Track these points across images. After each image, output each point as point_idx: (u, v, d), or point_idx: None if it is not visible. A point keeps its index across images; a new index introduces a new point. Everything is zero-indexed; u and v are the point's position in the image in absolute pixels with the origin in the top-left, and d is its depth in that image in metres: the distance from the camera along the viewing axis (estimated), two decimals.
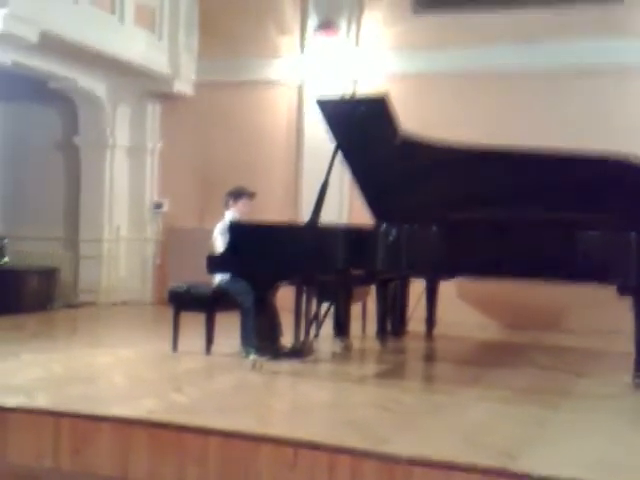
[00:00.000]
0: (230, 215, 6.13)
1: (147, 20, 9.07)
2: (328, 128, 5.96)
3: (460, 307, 8.25)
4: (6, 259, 8.72)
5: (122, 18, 8.58)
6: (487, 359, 6.61)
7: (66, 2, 7.78)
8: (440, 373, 6.06)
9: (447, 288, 7.67)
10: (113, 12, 8.50)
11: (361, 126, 5.72)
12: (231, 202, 6.19)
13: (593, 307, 7.42)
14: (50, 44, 7.61)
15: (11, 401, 4.25)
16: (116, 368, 5.54)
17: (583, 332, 7.64)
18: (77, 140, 9.64)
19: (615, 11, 8.09)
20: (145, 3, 9.01)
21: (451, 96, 8.60)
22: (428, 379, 5.88)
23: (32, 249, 9.36)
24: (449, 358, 6.56)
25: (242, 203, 6.19)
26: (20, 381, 4.85)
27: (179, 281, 6.47)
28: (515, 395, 4.93)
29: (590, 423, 4.33)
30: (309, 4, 9.10)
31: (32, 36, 7.25)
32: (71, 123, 9.76)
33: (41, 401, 4.31)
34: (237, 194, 6.21)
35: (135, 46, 8.78)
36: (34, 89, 9.29)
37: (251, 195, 6.27)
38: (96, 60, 8.53)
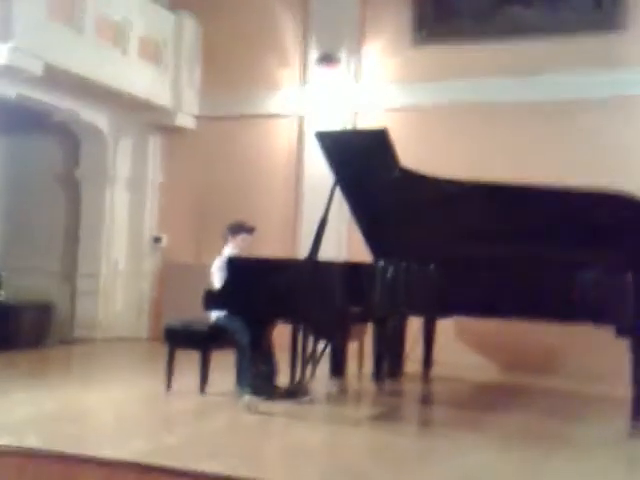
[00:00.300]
0: (229, 251, 6.09)
1: (151, 53, 9.14)
2: (327, 161, 5.94)
3: (458, 347, 8.16)
4: (2, 293, 8.65)
5: (126, 51, 8.65)
6: (484, 402, 6.52)
7: (70, 35, 7.85)
8: (436, 416, 5.98)
9: (445, 327, 7.60)
10: (117, 45, 8.57)
11: (360, 159, 5.70)
12: (230, 237, 6.15)
13: (592, 349, 7.33)
14: (54, 77, 7.67)
15: (0, 440, 4.17)
16: (108, 407, 5.47)
17: (581, 375, 7.54)
18: (78, 173, 9.64)
19: (616, 41, 8.06)
20: (149, 37, 9.08)
21: (451, 129, 8.60)
22: (424, 422, 5.79)
23: (28, 283, 9.30)
24: (446, 401, 6.48)
25: (241, 238, 6.14)
26: (10, 420, 4.78)
27: (176, 317, 6.40)
28: (513, 440, 4.85)
29: (588, 470, 4.25)
30: (310, 37, 9.18)
31: (36, 69, 7.31)
32: (72, 156, 9.77)
33: (29, 441, 4.22)
34: (236, 229, 6.16)
35: (138, 79, 8.84)
36: (37, 121, 9.32)
37: (250, 230, 6.22)
38: (99, 93, 8.58)
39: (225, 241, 6.16)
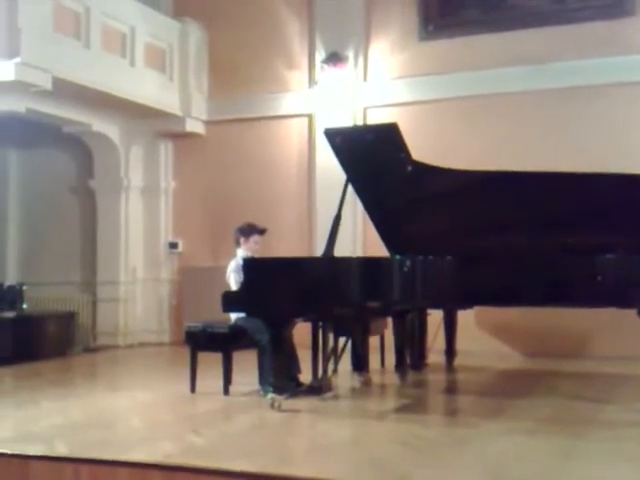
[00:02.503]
0: (242, 253, 6.11)
1: (157, 62, 9.21)
2: (337, 158, 5.92)
3: (479, 336, 8.17)
4: (24, 306, 8.75)
5: (133, 61, 8.72)
6: (509, 389, 6.50)
7: (77, 48, 7.93)
8: (462, 406, 5.97)
9: (465, 317, 7.60)
10: (124, 56, 8.64)
11: (370, 155, 5.67)
12: (242, 240, 6.16)
13: (616, 332, 7.32)
14: (63, 90, 7.73)
15: (31, 449, 4.23)
16: (134, 412, 5.50)
17: (606, 358, 7.53)
18: (92, 183, 9.73)
19: (626, 27, 8.04)
20: (155, 45, 9.15)
21: (460, 121, 8.61)
22: (450, 412, 5.77)
23: (49, 294, 9.43)
24: (470, 390, 6.47)
25: (253, 240, 6.15)
26: (39, 428, 4.83)
27: (196, 320, 6.43)
28: (539, 426, 4.84)
29: (616, 452, 4.23)
30: (316, 38, 9.20)
31: (45, 83, 7.36)
32: (86, 166, 9.87)
33: (60, 448, 4.28)
34: (247, 231, 6.17)
35: (146, 88, 8.91)
36: (49, 134, 9.42)
37: (262, 231, 6.23)
38: (109, 103, 8.64)
39: (237, 244, 6.18)
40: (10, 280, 9.44)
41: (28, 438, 4.55)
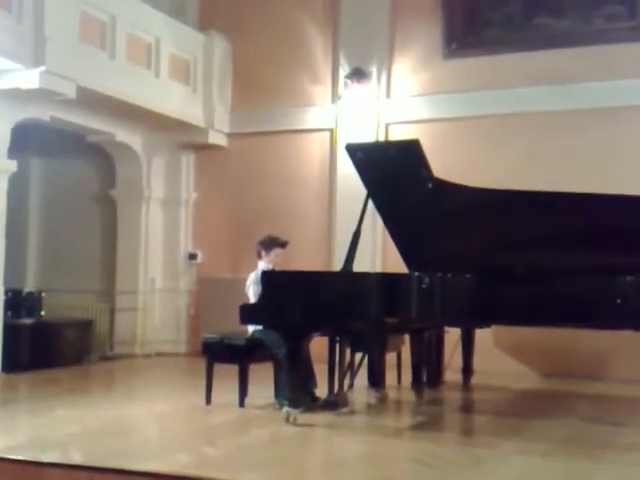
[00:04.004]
0: (263, 265, 6.11)
1: (182, 73, 9.27)
2: (358, 173, 5.91)
3: (497, 355, 8.10)
4: (43, 313, 8.80)
5: (157, 72, 8.78)
6: (526, 409, 6.45)
7: (102, 58, 8.00)
8: (478, 425, 5.93)
9: (483, 336, 7.55)
10: (149, 67, 8.71)
11: (391, 170, 5.67)
12: (263, 252, 6.16)
13: (634, 354, 7.25)
14: (87, 99, 7.79)
15: (46, 456, 4.24)
16: (150, 422, 5.52)
17: (624, 380, 7.45)
18: (114, 193, 9.79)
19: None
20: (180, 57, 9.21)
21: (482, 139, 8.59)
22: (466, 431, 5.74)
23: (68, 302, 9.46)
24: (487, 409, 6.42)
25: (274, 253, 6.16)
26: (55, 436, 4.84)
27: (213, 332, 6.44)
28: (556, 447, 4.79)
29: (633, 477, 4.18)
30: (340, 53, 9.23)
31: (70, 92, 7.42)
32: (107, 176, 9.93)
33: (75, 456, 4.29)
34: (269, 244, 6.17)
35: (170, 99, 8.97)
36: (71, 143, 9.49)
37: (283, 244, 6.23)
38: (132, 113, 8.70)
39: (259, 256, 6.19)
40: (29, 287, 9.49)
41: (43, 445, 4.57)
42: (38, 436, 4.89)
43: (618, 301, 5.02)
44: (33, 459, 4.20)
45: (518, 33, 8.57)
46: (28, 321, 8.40)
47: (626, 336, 5.66)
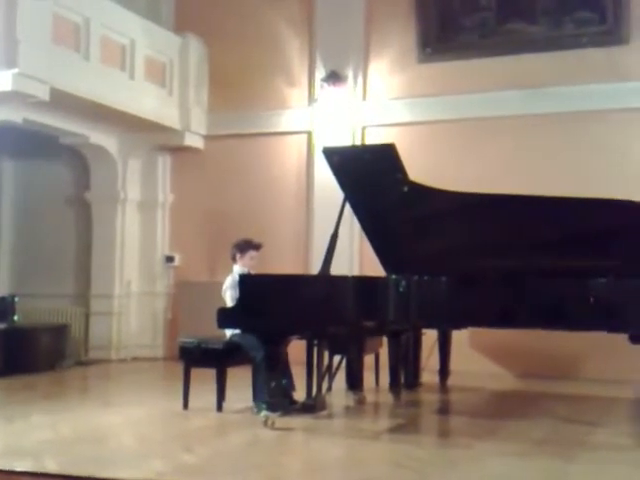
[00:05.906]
0: (238, 269, 6.10)
1: (157, 75, 9.21)
2: (335, 177, 5.93)
3: (473, 357, 8.16)
4: (16, 317, 8.69)
5: (132, 74, 8.71)
6: (502, 410, 6.49)
7: (76, 60, 7.93)
8: (455, 426, 5.95)
9: (460, 337, 7.59)
10: (123, 69, 8.64)
11: (367, 174, 5.69)
12: (238, 255, 6.16)
13: (607, 355, 7.31)
14: (61, 101, 7.72)
15: (19, 465, 4.17)
16: (125, 428, 5.47)
17: (597, 380, 7.52)
18: (88, 195, 9.70)
19: (620, 55, 8.14)
20: (155, 59, 9.16)
21: (457, 143, 8.66)
22: (443, 433, 5.77)
23: (42, 306, 9.34)
24: (464, 410, 6.46)
25: (249, 256, 6.16)
26: (29, 443, 4.78)
27: (190, 336, 6.39)
28: (532, 447, 4.82)
29: (606, 475, 4.23)
30: (316, 56, 9.23)
31: (43, 94, 7.35)
32: (82, 178, 9.84)
33: (49, 464, 4.23)
34: (243, 247, 6.17)
35: (146, 101, 8.91)
36: (45, 145, 9.40)
37: (257, 247, 6.22)
38: (107, 116, 8.64)
39: (233, 259, 6.18)
40: (2, 291, 9.35)
41: (17, 453, 4.51)
42: (11, 443, 4.82)
43: (592, 303, 5.07)
44: (6, 468, 4.11)
45: (491, 38, 8.65)
46: (1, 326, 8.29)
47: (600, 337, 5.70)
